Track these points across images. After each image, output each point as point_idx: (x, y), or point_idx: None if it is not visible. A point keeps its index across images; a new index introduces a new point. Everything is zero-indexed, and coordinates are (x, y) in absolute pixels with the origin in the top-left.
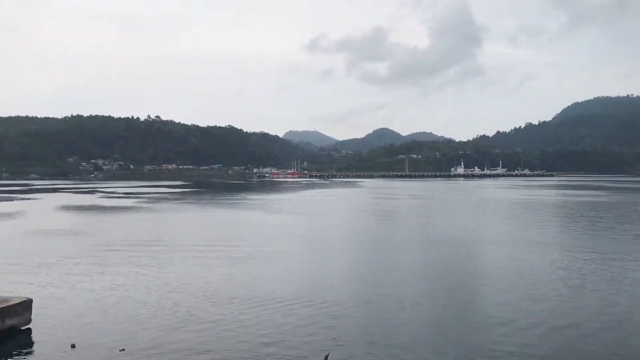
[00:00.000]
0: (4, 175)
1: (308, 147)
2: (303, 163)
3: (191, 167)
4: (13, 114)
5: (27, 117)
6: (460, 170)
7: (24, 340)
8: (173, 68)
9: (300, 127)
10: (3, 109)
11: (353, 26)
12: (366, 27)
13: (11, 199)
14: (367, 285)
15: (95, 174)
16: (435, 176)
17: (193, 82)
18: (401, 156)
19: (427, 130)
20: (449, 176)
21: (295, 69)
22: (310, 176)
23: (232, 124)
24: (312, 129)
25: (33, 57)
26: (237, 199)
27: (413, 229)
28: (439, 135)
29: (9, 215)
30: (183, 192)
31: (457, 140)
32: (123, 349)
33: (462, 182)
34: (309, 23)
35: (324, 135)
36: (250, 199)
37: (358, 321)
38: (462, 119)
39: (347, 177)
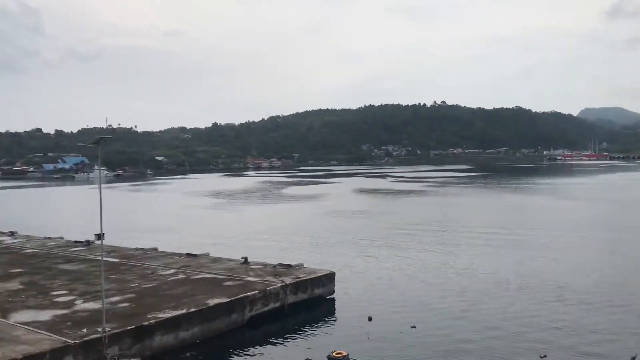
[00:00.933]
0: (310, 161)
1: (608, 125)
2: (602, 144)
3: (476, 150)
4: (316, 107)
5: (327, 109)
6: None
7: (329, 308)
8: (456, 52)
9: (598, 103)
10: (309, 104)
11: None
12: None
13: (314, 183)
14: None
15: (386, 159)
16: None
17: (477, 65)
18: None
19: None
20: None
21: (593, 38)
22: (611, 158)
23: (519, 105)
24: (613, 105)
25: (332, 54)
26: (526, 183)
27: None
28: None
29: (312, 197)
30: (469, 176)
31: None
32: (414, 326)
33: None
34: None
35: (629, 111)
36: (539, 183)
37: None
38: None
39: None
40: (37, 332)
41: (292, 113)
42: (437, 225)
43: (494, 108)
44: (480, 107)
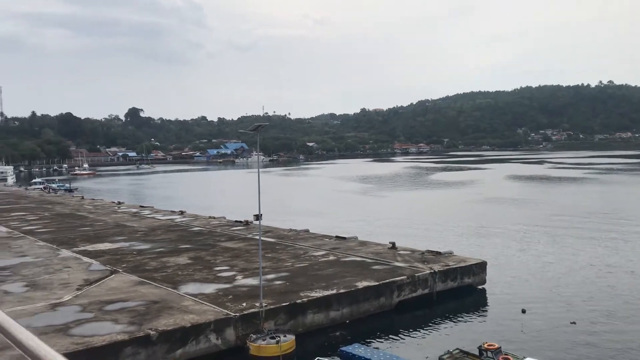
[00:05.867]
0: (459, 146)
1: None
2: None
3: None
4: (467, 90)
5: (479, 92)
6: None
7: (479, 298)
8: (623, 26)
9: None
10: (459, 87)
11: None
12: None
13: (463, 169)
14: None
15: (543, 144)
16: None
17: None
18: None
19: None
20: None
21: None
22: None
23: None
24: None
25: (483, 34)
26: None
27: None
28: None
29: (462, 183)
30: None
31: None
32: (574, 322)
33: None
34: None
35: None
36: None
37: None
38: None
39: None
40: (202, 303)
41: (441, 97)
42: (600, 216)
43: None
44: None
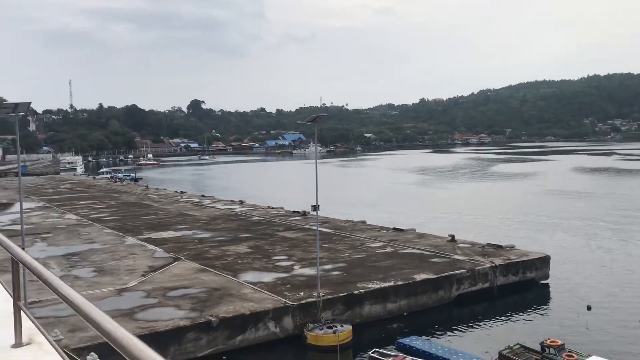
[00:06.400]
0: (522, 138)
1: None
2: None
3: None
4: (531, 79)
5: (544, 81)
6: None
7: (542, 293)
8: None
9: None
10: (522, 76)
11: None
12: None
13: (526, 161)
14: None
15: (612, 135)
16: None
17: None
18: None
19: None
20: None
21: None
22: None
23: None
24: None
25: (547, 21)
26: None
27: None
28: None
29: (525, 175)
30: None
31: None
32: None
33: None
34: None
35: None
36: None
37: None
38: None
39: None
40: (261, 291)
41: (504, 86)
42: None
43: None
44: None
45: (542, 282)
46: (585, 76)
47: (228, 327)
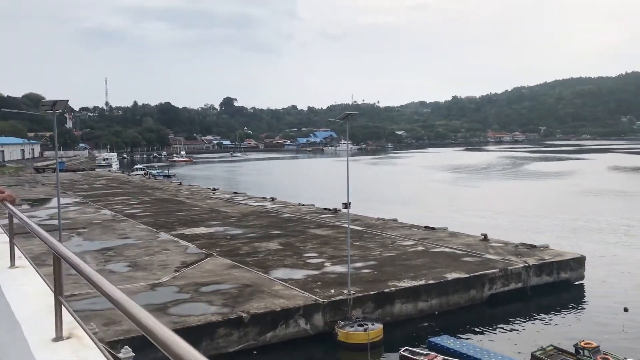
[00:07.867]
0: (557, 135)
1: None
2: None
3: None
4: (567, 76)
5: (580, 78)
6: None
7: (577, 294)
8: None
9: None
10: (558, 72)
11: None
12: None
13: (561, 159)
14: None
15: None
16: None
17: None
18: None
19: None
20: None
21: None
22: None
23: None
24: None
25: (583, 16)
26: None
27: None
28: None
29: (560, 174)
30: None
31: None
32: None
33: None
34: None
35: None
36: None
37: None
38: None
39: None
40: (292, 288)
41: (539, 83)
42: None
43: None
44: None
45: (577, 282)
46: (623, 73)
47: (259, 323)
